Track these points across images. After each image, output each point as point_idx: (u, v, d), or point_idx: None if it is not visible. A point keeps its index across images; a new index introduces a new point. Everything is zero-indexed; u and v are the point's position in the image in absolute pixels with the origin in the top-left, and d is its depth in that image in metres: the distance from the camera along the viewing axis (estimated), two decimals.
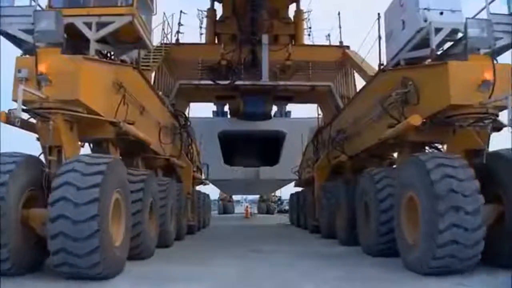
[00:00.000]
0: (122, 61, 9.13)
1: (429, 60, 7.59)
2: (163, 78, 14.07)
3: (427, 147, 8.25)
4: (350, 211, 9.82)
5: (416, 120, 7.11)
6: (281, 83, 14.51)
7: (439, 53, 7.76)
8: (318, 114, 17.00)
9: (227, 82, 14.13)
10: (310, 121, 22.99)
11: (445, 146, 7.89)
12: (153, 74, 14.07)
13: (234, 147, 24.46)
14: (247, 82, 14.43)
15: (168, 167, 13.06)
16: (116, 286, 5.64)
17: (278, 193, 47.31)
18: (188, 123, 14.10)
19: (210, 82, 14.09)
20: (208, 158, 20.22)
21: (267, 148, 24.94)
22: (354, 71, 14.83)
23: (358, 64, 13.10)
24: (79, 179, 5.49)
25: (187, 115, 14.86)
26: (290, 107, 27.91)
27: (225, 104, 25.89)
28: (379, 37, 9.61)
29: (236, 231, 17.27)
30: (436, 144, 8.26)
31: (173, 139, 13.14)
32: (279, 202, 50.79)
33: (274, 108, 26.01)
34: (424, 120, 7.16)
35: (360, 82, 16.97)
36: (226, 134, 23.69)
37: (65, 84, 6.53)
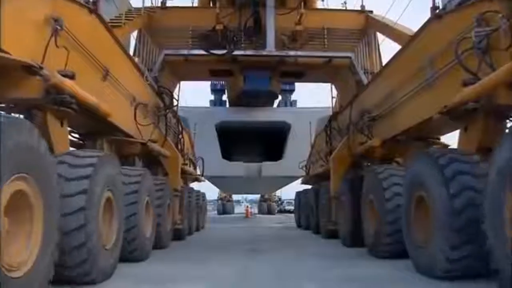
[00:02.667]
0: None
1: None
2: (145, 48, 11.40)
3: None
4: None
5: None
6: (291, 53, 11.74)
7: None
8: (332, 97, 14.29)
9: (223, 51, 11.38)
10: (318, 111, 20.81)
11: None
12: (132, 42, 11.41)
13: (233, 140, 22.34)
14: (248, 52, 11.67)
15: (150, 156, 10.44)
16: None
17: (277, 192, 45.81)
18: (176, 104, 11.48)
19: (202, 52, 11.34)
20: (204, 152, 17.80)
21: (270, 141, 23.02)
22: (378, 44, 12.14)
23: (389, 25, 10.44)
24: None
25: (175, 95, 12.19)
26: (296, 95, 25.49)
27: (223, 93, 23.47)
28: None
29: (234, 236, 14.56)
30: None
31: (156, 122, 10.51)
32: (279, 202, 50.14)
33: (277, 99, 23.78)
34: None
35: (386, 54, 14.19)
36: (224, 125, 21.58)
37: None
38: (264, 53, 11.72)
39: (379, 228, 7.52)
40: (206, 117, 21.62)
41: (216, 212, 44.33)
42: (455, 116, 5.98)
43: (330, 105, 17.86)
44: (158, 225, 9.01)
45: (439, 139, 8.32)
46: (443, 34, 6.33)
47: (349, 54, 11.71)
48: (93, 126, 7.63)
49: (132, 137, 8.52)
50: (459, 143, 6.35)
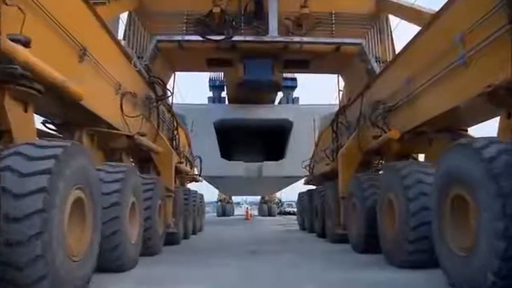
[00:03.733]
0: None
1: None
2: (135, 34, 10.35)
3: None
4: None
5: None
6: (296, 39, 10.65)
7: None
8: (339, 90, 13.23)
9: (221, 37, 10.30)
10: (322, 109, 19.86)
11: None
12: (121, 29, 10.36)
13: (232, 139, 21.42)
14: (249, 38, 10.58)
15: (140, 153, 9.45)
16: None
17: (277, 194, 45.17)
18: (169, 95, 10.45)
19: (198, 37, 10.26)
20: (202, 152, 16.77)
21: (271, 140, 22.04)
22: (391, 31, 11.08)
23: (405, 5, 9.39)
24: None
25: (169, 87, 11.11)
26: (298, 92, 24.40)
27: (222, 90, 22.42)
28: None
29: (234, 241, 13.53)
30: None
31: (147, 114, 9.50)
32: (279, 204, 49.57)
33: (279, 96, 22.77)
34: None
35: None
36: (223, 123, 20.61)
37: None
38: (266, 39, 10.64)
39: (399, 233, 6.50)
40: (204, 114, 20.62)
41: (216, 214, 43.42)
42: (498, 98, 4.95)
43: (334, 103, 16.95)
44: (148, 229, 7.99)
45: (466, 130, 7.29)
46: (481, 2, 5.30)
47: (359, 41, 10.65)
48: (70, 115, 6.62)
49: (117, 129, 7.49)
50: (500, 131, 5.31)
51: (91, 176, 5.02)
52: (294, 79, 22.96)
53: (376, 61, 10.40)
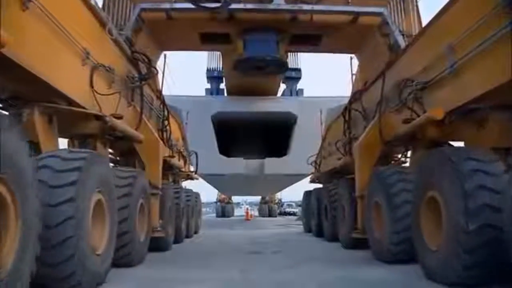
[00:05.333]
0: None
1: None
2: (117, 5, 8.73)
3: None
4: None
5: None
6: (306, 7, 8.97)
7: None
8: (352, 74, 11.59)
9: (217, 4, 8.61)
10: (328, 101, 18.35)
11: None
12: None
13: (231, 134, 19.89)
14: (249, 6, 8.90)
15: (123, 143, 7.93)
16: None
17: (277, 194, 44.12)
18: (155, 72, 8.86)
19: (189, 5, 8.57)
20: (198, 147, 15.28)
21: (274, 135, 20.29)
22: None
23: None
24: None
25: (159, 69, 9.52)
26: (302, 84, 22.83)
27: (221, 81, 20.83)
28: None
29: (231, 244, 11.95)
30: None
31: (128, 96, 7.96)
32: (279, 204, 48.43)
33: (282, 87, 21.23)
34: None
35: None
36: (221, 116, 19.11)
37: None
38: (271, 7, 9.00)
39: (449, 241, 4.91)
40: (201, 107, 19.10)
41: (215, 214, 42.12)
42: None
43: (342, 95, 15.38)
44: (123, 234, 6.41)
45: None
46: None
47: (380, 9, 9.00)
48: (18, 87, 5.07)
49: (82, 107, 5.90)
50: None
51: (23, 164, 3.45)
52: (298, 70, 21.44)
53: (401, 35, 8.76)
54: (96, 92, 6.29)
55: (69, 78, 5.62)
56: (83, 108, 5.91)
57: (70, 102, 5.71)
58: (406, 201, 6.62)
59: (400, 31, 8.83)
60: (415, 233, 5.92)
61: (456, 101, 5.82)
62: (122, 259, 6.47)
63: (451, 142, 7.06)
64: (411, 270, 5.98)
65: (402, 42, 8.56)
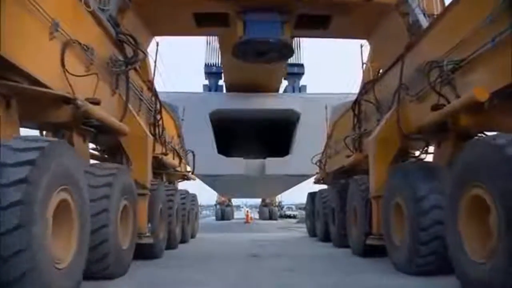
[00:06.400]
0: None
1: None
2: None
3: None
4: None
5: None
6: None
7: None
8: (363, 63, 10.55)
9: None
10: (333, 98, 17.60)
11: None
12: None
13: (231, 132, 19.22)
14: None
15: (110, 138, 6.97)
16: None
17: (277, 196, 43.57)
18: (142, 56, 7.85)
19: None
20: (196, 147, 14.53)
21: (276, 134, 19.68)
22: None
23: None
24: None
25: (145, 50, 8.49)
26: (305, 80, 21.86)
27: (219, 77, 19.91)
28: None
29: (230, 251, 10.92)
30: None
31: (111, 82, 6.95)
32: (280, 207, 48.69)
33: (284, 83, 20.30)
34: None
35: None
36: (220, 114, 18.40)
37: None
38: None
39: (505, 250, 3.87)
40: (198, 104, 18.27)
41: (214, 217, 41.64)
42: None
43: (348, 91, 14.50)
44: (102, 243, 5.37)
45: None
46: None
47: None
48: None
49: (47, 87, 4.85)
50: None
51: None
52: (301, 65, 20.65)
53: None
54: (68, 72, 5.26)
55: (31, 52, 4.60)
56: (48, 87, 4.86)
57: (34, 81, 4.68)
58: (435, 206, 5.59)
59: (421, 10, 7.81)
60: (451, 242, 4.88)
61: (501, 80, 4.79)
62: (101, 271, 5.46)
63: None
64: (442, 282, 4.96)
65: (424, 21, 7.54)
